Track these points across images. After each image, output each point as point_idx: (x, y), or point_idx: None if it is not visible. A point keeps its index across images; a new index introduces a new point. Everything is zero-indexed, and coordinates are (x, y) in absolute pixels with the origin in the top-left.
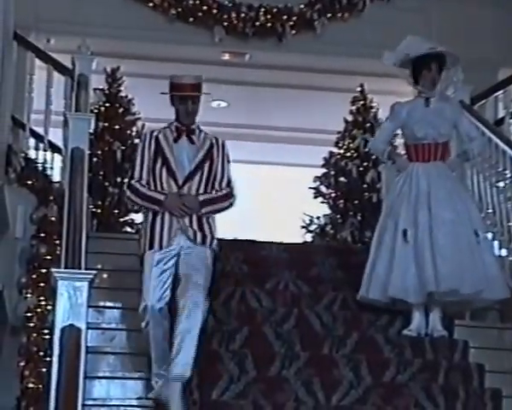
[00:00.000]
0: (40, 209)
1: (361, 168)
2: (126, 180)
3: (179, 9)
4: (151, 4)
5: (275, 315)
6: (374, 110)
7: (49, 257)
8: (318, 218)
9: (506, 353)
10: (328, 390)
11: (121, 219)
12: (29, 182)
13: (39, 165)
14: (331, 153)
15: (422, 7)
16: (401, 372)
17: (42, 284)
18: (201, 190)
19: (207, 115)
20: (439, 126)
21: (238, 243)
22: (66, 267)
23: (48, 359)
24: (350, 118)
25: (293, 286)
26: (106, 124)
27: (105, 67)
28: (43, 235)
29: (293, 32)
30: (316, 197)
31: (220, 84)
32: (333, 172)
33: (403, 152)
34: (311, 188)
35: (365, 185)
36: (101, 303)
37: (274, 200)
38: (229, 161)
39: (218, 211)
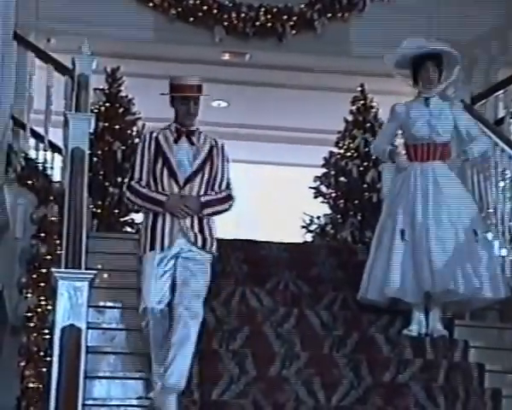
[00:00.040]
0: (40, 209)
1: (361, 168)
2: (126, 181)
3: (179, 9)
4: (151, 4)
5: (275, 315)
6: (374, 110)
7: (49, 257)
8: (318, 218)
9: (506, 352)
10: (328, 390)
11: (121, 219)
12: (29, 182)
13: (39, 165)
14: (331, 153)
15: (423, 7)
16: (401, 372)
17: (42, 284)
18: (202, 192)
19: (207, 115)
20: (437, 126)
21: (238, 242)
22: (66, 267)
23: (48, 359)
24: (350, 118)
25: (293, 286)
26: (106, 124)
27: (105, 66)
28: (43, 235)
29: (294, 31)
30: (316, 197)
31: (220, 83)
32: (333, 172)
33: (403, 152)
34: (311, 188)
35: (365, 185)
36: (102, 303)
37: (274, 200)
38: (228, 163)
39: (218, 213)
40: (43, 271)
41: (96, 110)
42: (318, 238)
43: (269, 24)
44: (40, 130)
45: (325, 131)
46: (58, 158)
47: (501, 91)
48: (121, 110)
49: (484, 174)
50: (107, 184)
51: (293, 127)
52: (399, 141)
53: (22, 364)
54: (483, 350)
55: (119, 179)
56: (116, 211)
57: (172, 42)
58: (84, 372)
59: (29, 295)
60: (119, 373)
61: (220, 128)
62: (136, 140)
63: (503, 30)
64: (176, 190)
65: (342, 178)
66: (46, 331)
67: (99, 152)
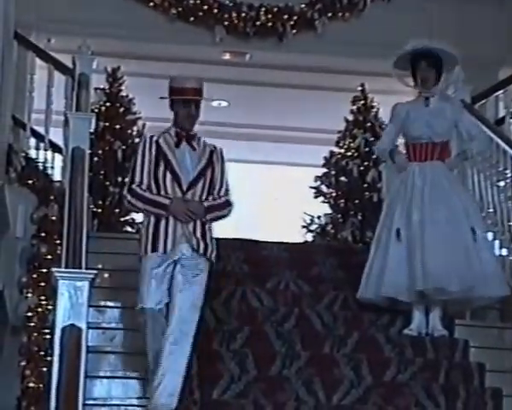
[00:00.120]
0: (41, 209)
1: (362, 168)
2: (126, 185)
3: (180, 9)
4: (152, 4)
5: (276, 315)
6: (374, 110)
7: (49, 257)
8: (319, 217)
9: (506, 352)
10: (328, 390)
11: (122, 219)
12: (30, 181)
13: (40, 164)
14: (332, 152)
15: (423, 7)
16: (402, 372)
17: (42, 284)
18: (204, 197)
19: (208, 115)
20: (435, 126)
21: (239, 242)
22: (66, 267)
23: (48, 358)
24: (350, 117)
25: (293, 286)
26: (106, 123)
27: (106, 66)
28: (43, 234)
29: (294, 31)
30: (316, 197)
31: (221, 83)
32: (333, 172)
33: (403, 152)
34: (311, 187)
35: (366, 185)
36: (102, 303)
37: (274, 199)
38: (226, 168)
39: (219, 218)
40: (44, 270)
41: (96, 110)
42: (319, 238)
43: (269, 24)
44: (41, 129)
45: (326, 131)
46: (58, 158)
47: (501, 91)
48: (122, 110)
49: (484, 174)
50: (107, 183)
51: (293, 127)
52: (400, 141)
53: (23, 363)
54: (483, 350)
55: (120, 179)
56: (116, 211)
57: (173, 41)
58: (85, 372)
59: (29, 294)
60: (120, 373)
61: (220, 128)
62: (137, 140)
63: (503, 29)
64: (179, 194)
65: (343, 178)
66: (46, 331)
67: (99, 152)
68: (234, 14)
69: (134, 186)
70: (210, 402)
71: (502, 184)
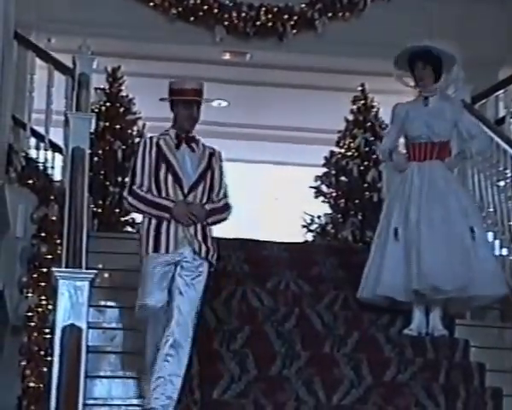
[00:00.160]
0: (41, 209)
1: (362, 167)
2: (126, 186)
3: (180, 9)
4: (152, 4)
5: (276, 314)
6: (374, 109)
7: (49, 256)
8: (319, 217)
9: (506, 352)
10: (328, 390)
11: (122, 219)
12: (30, 181)
13: (40, 164)
14: (332, 152)
15: (423, 6)
16: (402, 372)
17: (43, 284)
18: (204, 200)
19: (208, 115)
20: (434, 126)
21: (239, 242)
22: (66, 267)
23: (49, 358)
24: (351, 117)
25: (294, 285)
26: (107, 123)
27: (106, 66)
28: (43, 234)
29: (294, 31)
30: (317, 197)
31: (221, 83)
32: (334, 172)
33: (403, 151)
34: (311, 187)
35: (366, 185)
36: (102, 303)
37: (275, 199)
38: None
39: (219, 222)
40: (44, 270)
41: (96, 110)
42: (319, 238)
43: (269, 23)
44: (41, 129)
45: (326, 131)
46: (59, 157)
47: (501, 91)
48: (122, 110)
49: (484, 174)
50: (107, 183)
51: (293, 127)
52: (400, 141)
53: (23, 363)
54: (484, 349)
55: (120, 179)
56: (117, 210)
57: (173, 41)
58: (85, 372)
59: (30, 294)
60: (120, 373)
61: (220, 128)
62: (137, 140)
63: (503, 29)
64: (180, 197)
65: (343, 178)
66: (47, 331)
67: (100, 151)
68: (234, 14)
69: (135, 188)
70: (210, 402)
71: (502, 183)
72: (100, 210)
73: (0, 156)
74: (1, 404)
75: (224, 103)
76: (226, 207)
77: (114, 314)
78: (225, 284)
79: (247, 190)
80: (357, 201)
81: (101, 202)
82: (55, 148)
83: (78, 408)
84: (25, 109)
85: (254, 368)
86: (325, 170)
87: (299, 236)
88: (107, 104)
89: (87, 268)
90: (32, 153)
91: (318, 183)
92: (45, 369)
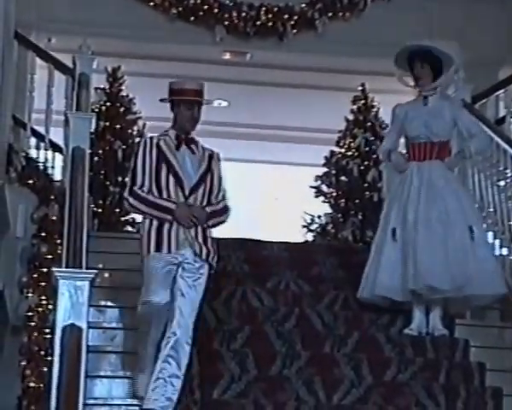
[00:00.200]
0: (41, 208)
1: (362, 167)
2: (126, 187)
3: (180, 9)
4: (152, 4)
5: (276, 314)
6: (375, 109)
7: (50, 256)
8: (319, 217)
9: (507, 351)
10: (329, 389)
11: (122, 219)
12: (30, 181)
13: (40, 164)
14: (332, 152)
15: (423, 6)
16: (402, 371)
17: (43, 284)
18: (204, 202)
19: (208, 114)
20: (432, 126)
21: (239, 242)
22: (67, 267)
23: (49, 358)
24: (351, 117)
25: (294, 285)
26: (107, 123)
27: (106, 66)
28: (44, 234)
29: (294, 31)
30: (317, 196)
31: (221, 83)
32: (334, 172)
33: (403, 151)
34: (312, 187)
35: (366, 184)
36: (102, 302)
37: (275, 199)
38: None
39: (219, 224)
40: (44, 270)
41: (96, 109)
42: (319, 238)
43: (270, 23)
44: (41, 129)
45: (326, 131)
46: (59, 157)
47: (502, 91)
48: (122, 109)
49: (484, 173)
50: (107, 183)
51: (293, 126)
52: (402, 141)
53: (23, 363)
54: (484, 349)
55: (120, 179)
56: (117, 210)
57: (173, 41)
58: (85, 372)
59: (30, 294)
60: (120, 373)
61: (221, 127)
62: (137, 139)
63: (503, 29)
64: (182, 199)
65: (343, 178)
66: (47, 331)
67: (100, 151)
68: (234, 14)
69: (135, 188)
70: (210, 402)
71: (502, 183)
72: (100, 210)
73: (0, 156)
74: (1, 404)
75: (225, 103)
76: (225, 210)
77: (114, 314)
78: (225, 284)
79: (247, 190)
80: (357, 200)
81: (101, 202)
82: (55, 148)
83: (78, 408)
84: (25, 109)
85: (254, 368)
86: (325, 170)
87: (300, 236)
88: (108, 104)
89: (87, 268)
90: (33, 153)
91: (318, 182)
92: (45, 369)
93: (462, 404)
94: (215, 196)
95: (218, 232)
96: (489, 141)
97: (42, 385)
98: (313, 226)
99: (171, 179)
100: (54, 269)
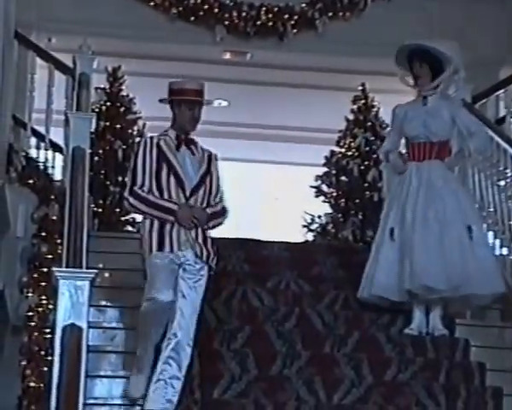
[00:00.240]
0: (41, 208)
1: (362, 167)
2: (126, 187)
3: (180, 8)
4: (152, 3)
5: (276, 314)
6: (375, 109)
7: (50, 256)
8: (319, 217)
9: (507, 351)
10: (329, 389)
11: (122, 218)
12: (30, 181)
13: (40, 164)
14: (332, 152)
15: (423, 6)
16: (402, 371)
17: (43, 284)
18: (204, 204)
19: (208, 114)
20: (431, 125)
21: (239, 241)
22: (67, 266)
23: (49, 358)
24: (351, 117)
25: (294, 285)
26: (107, 123)
27: (106, 66)
28: (44, 234)
29: (295, 31)
30: (317, 196)
31: (221, 83)
32: (334, 171)
33: (403, 151)
34: (312, 187)
35: (366, 184)
36: (103, 302)
37: (275, 199)
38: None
39: (218, 225)
40: (44, 270)
41: (96, 109)
42: (319, 237)
43: (270, 23)
44: (41, 129)
45: (326, 130)
46: (59, 157)
47: (502, 91)
48: (122, 109)
49: (484, 173)
50: (108, 183)
51: (293, 126)
52: (402, 141)
53: (23, 363)
54: (484, 349)
55: (120, 178)
56: (117, 210)
57: (173, 41)
58: (85, 372)
59: (30, 294)
60: (120, 372)
61: (221, 127)
62: (137, 139)
63: (503, 29)
64: (182, 200)
65: (343, 177)
66: (47, 331)
67: (100, 151)
68: (234, 14)
69: (136, 188)
70: (211, 402)
71: (502, 183)
72: (100, 210)
73: (0, 156)
74: (1, 404)
75: (225, 103)
76: (224, 211)
77: (115, 314)
78: (225, 284)
79: (247, 190)
80: (357, 200)
81: (101, 202)
82: (55, 147)
83: (78, 408)
84: (25, 109)
85: (255, 368)
86: (325, 169)
87: (300, 235)
88: (108, 104)
89: (87, 268)
90: (33, 152)
91: (319, 182)
92: (45, 369)
93: (462, 404)
94: (213, 198)
95: (218, 232)
96: (488, 139)
97: (42, 385)
98: (313, 226)
99: (172, 180)
100: (54, 269)
